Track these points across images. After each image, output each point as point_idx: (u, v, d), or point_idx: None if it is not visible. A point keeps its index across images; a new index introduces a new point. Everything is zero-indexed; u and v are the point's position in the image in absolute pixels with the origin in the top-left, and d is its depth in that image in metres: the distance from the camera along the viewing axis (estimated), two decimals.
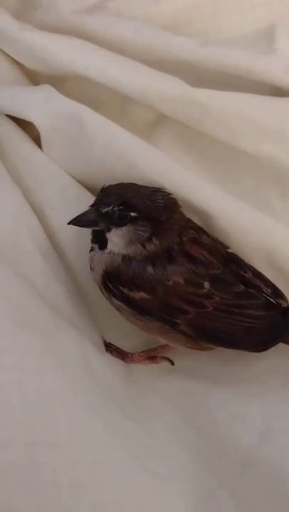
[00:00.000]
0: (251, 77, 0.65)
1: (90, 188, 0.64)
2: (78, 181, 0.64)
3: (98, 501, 0.44)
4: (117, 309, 0.57)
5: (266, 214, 0.62)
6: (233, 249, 0.61)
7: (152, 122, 0.67)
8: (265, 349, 0.57)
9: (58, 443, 0.44)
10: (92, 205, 0.57)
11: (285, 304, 0.58)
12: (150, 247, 0.56)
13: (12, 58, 0.68)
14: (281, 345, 0.57)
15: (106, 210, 0.56)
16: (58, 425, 0.45)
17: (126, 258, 0.56)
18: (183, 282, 0.55)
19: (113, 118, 0.63)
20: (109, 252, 0.57)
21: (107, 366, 0.57)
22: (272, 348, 0.57)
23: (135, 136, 0.62)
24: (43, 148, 0.65)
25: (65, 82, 0.68)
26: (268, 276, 0.61)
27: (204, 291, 0.55)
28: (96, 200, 0.57)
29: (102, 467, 0.45)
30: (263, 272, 0.61)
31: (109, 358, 0.59)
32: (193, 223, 0.60)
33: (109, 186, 0.57)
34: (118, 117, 0.65)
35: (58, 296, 0.58)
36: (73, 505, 0.43)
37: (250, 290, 0.57)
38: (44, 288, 0.57)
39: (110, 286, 0.56)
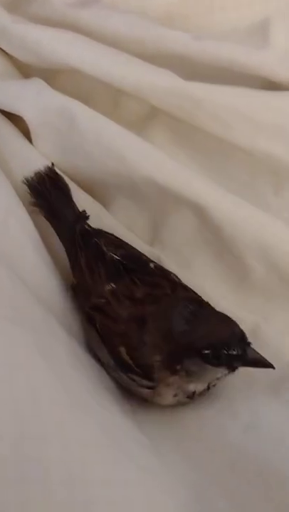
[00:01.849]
0: (246, 72, 0.64)
1: (79, 182, 0.64)
2: (68, 175, 0.63)
3: (89, 498, 0.43)
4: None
5: (261, 209, 0.61)
6: (228, 244, 0.60)
7: (145, 116, 0.67)
8: None
9: (47, 439, 0.43)
10: None
11: None
12: None
13: (3, 51, 0.68)
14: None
15: None
16: (47, 421, 0.44)
17: None
18: None
19: (105, 112, 0.63)
20: None
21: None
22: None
23: (126, 130, 0.62)
24: (33, 142, 0.64)
25: (57, 76, 0.68)
26: (261, 273, 0.60)
27: None
28: None
29: (93, 464, 0.44)
30: (256, 268, 0.60)
31: None
32: None
33: None
34: (110, 112, 0.64)
35: (49, 291, 0.57)
36: (63, 501, 0.42)
37: None
38: (35, 282, 0.56)
39: None
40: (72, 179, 0.64)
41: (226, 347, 0.50)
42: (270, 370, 0.53)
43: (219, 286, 0.63)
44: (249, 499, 0.46)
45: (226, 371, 0.51)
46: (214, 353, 0.50)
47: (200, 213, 0.60)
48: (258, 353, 0.51)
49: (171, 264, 0.62)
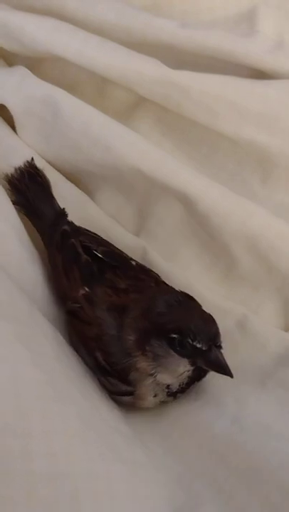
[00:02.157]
0: (233, 60, 0.63)
1: (64, 172, 0.63)
2: (53, 165, 0.63)
3: (74, 491, 0.42)
4: None
5: (248, 199, 0.60)
6: (214, 234, 0.60)
7: (131, 105, 0.66)
8: None
9: (31, 433, 0.43)
10: None
11: None
12: None
13: None
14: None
15: None
16: (31, 415, 0.44)
17: None
18: None
19: (90, 101, 0.62)
20: None
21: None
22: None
23: (112, 119, 0.61)
24: (17, 132, 0.63)
25: (41, 64, 0.67)
26: (248, 263, 0.60)
27: None
28: None
29: (77, 457, 0.44)
30: (243, 259, 0.60)
31: None
32: None
33: None
34: (96, 100, 0.63)
35: (32, 281, 0.56)
36: (48, 495, 0.41)
37: None
38: (19, 273, 0.55)
39: None
40: (57, 169, 0.63)
41: (193, 337, 0.49)
42: (257, 360, 0.53)
43: (206, 276, 0.62)
44: (237, 491, 0.45)
45: (189, 366, 0.50)
46: (180, 339, 0.49)
47: (186, 203, 0.60)
48: (223, 358, 0.50)
49: (156, 255, 0.62)
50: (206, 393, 0.54)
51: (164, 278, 0.59)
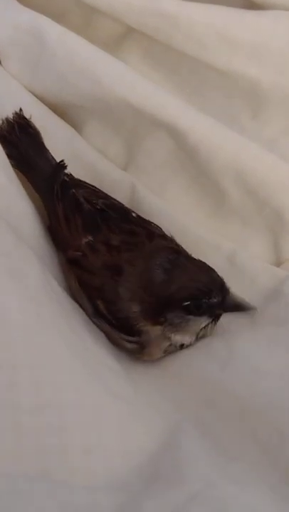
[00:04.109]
0: None
1: (51, 106, 0.61)
2: (40, 98, 0.61)
3: (61, 422, 0.42)
4: None
5: (237, 133, 0.59)
6: (203, 168, 0.59)
7: (119, 36, 0.64)
8: None
9: (17, 364, 0.42)
10: None
11: None
12: None
13: None
14: None
15: None
16: (16, 345, 0.43)
17: None
18: None
19: (78, 31, 0.60)
20: None
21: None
22: None
23: (101, 50, 0.59)
24: (2, 63, 0.61)
25: None
26: (237, 198, 0.59)
27: None
28: None
29: (65, 388, 0.43)
30: (232, 193, 0.59)
31: None
32: None
33: None
34: (83, 31, 0.61)
35: (19, 216, 0.55)
36: (35, 426, 0.41)
37: None
38: (5, 207, 0.54)
39: None
40: (43, 102, 0.61)
41: (207, 296, 0.49)
42: (248, 296, 0.53)
43: (195, 211, 0.62)
44: (226, 434, 0.45)
45: (210, 319, 0.51)
46: (195, 303, 0.49)
47: (175, 136, 0.59)
48: (238, 297, 0.51)
49: (145, 189, 0.61)
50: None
51: (152, 213, 0.59)
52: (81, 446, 0.41)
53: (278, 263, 0.61)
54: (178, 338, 0.51)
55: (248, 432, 0.44)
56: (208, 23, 0.59)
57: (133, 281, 0.51)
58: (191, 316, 0.50)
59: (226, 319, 0.54)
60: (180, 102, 0.59)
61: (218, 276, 0.51)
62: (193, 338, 0.52)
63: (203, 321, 0.51)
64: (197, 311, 0.50)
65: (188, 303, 0.49)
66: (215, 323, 0.52)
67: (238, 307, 0.51)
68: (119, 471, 0.41)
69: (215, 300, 0.50)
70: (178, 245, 0.55)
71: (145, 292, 0.50)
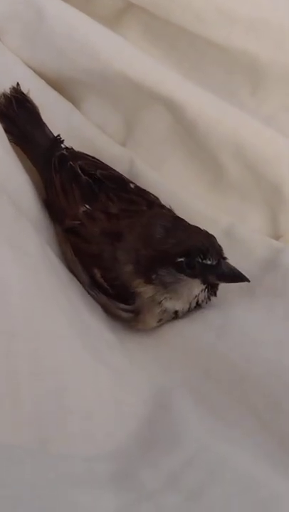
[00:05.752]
0: None
1: (49, 80, 0.61)
2: (38, 73, 0.61)
3: (61, 389, 0.43)
4: None
5: (237, 108, 0.59)
6: (202, 142, 0.59)
7: (119, 11, 0.64)
8: None
9: (15, 332, 0.42)
10: None
11: None
12: None
13: None
14: None
15: None
16: (15, 314, 0.43)
17: None
18: None
19: (77, 5, 0.60)
20: None
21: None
22: None
23: (100, 24, 0.59)
24: (1, 38, 0.61)
25: None
26: (236, 172, 0.59)
27: None
28: None
29: (62, 356, 0.44)
30: (231, 168, 0.59)
31: None
32: None
33: None
34: (82, 5, 0.61)
35: (17, 189, 0.55)
36: (34, 393, 0.42)
37: None
38: (3, 179, 0.54)
39: None
40: (42, 77, 0.61)
41: (202, 255, 0.49)
42: (245, 267, 0.52)
43: (193, 185, 0.62)
44: (222, 402, 0.45)
45: (202, 285, 0.50)
46: (188, 261, 0.49)
47: (174, 110, 0.59)
48: (234, 267, 0.50)
49: (143, 164, 0.61)
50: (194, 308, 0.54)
51: (151, 188, 0.58)
52: (80, 412, 0.41)
53: (276, 237, 0.61)
54: (170, 304, 0.51)
55: (244, 400, 0.44)
56: None
57: (132, 242, 0.51)
58: (182, 276, 0.50)
59: (223, 290, 0.54)
60: (178, 76, 0.59)
61: (217, 242, 0.50)
62: (186, 306, 0.51)
63: (196, 286, 0.50)
64: (189, 270, 0.49)
65: (182, 259, 0.49)
66: (209, 293, 0.52)
67: (232, 276, 0.51)
68: (118, 437, 0.41)
69: (209, 262, 0.49)
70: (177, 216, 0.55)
71: (142, 247, 0.50)
